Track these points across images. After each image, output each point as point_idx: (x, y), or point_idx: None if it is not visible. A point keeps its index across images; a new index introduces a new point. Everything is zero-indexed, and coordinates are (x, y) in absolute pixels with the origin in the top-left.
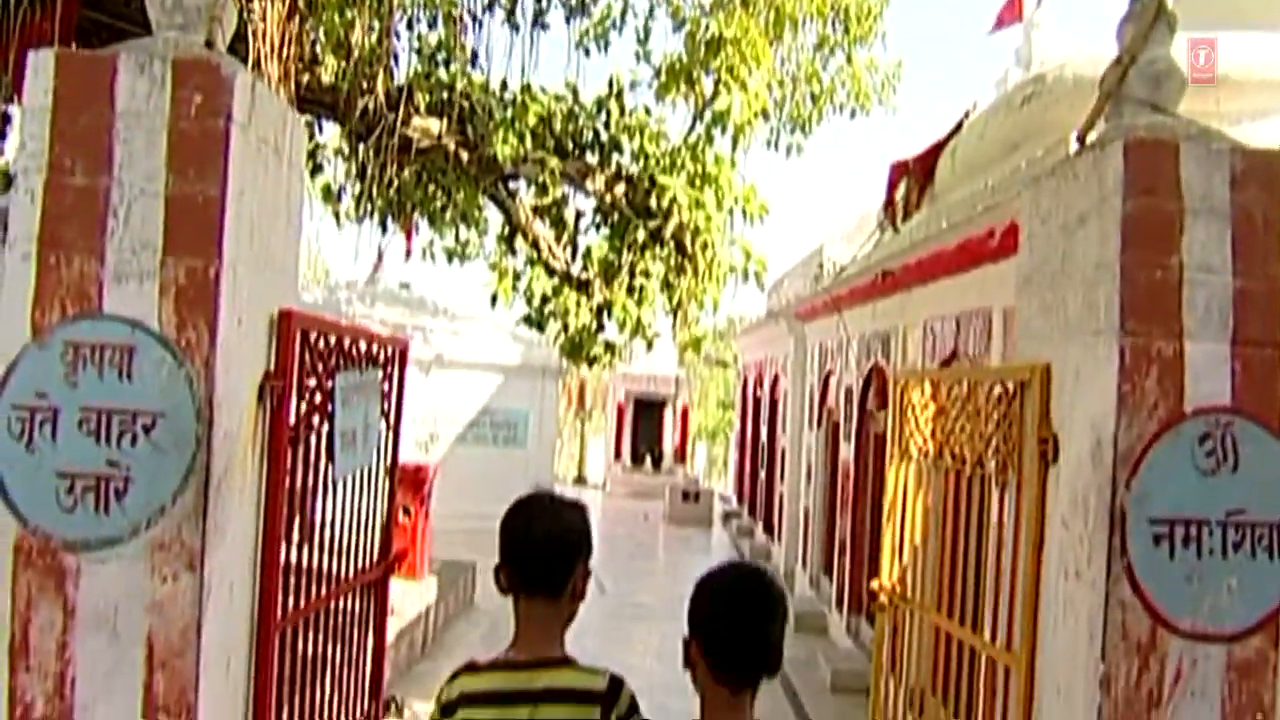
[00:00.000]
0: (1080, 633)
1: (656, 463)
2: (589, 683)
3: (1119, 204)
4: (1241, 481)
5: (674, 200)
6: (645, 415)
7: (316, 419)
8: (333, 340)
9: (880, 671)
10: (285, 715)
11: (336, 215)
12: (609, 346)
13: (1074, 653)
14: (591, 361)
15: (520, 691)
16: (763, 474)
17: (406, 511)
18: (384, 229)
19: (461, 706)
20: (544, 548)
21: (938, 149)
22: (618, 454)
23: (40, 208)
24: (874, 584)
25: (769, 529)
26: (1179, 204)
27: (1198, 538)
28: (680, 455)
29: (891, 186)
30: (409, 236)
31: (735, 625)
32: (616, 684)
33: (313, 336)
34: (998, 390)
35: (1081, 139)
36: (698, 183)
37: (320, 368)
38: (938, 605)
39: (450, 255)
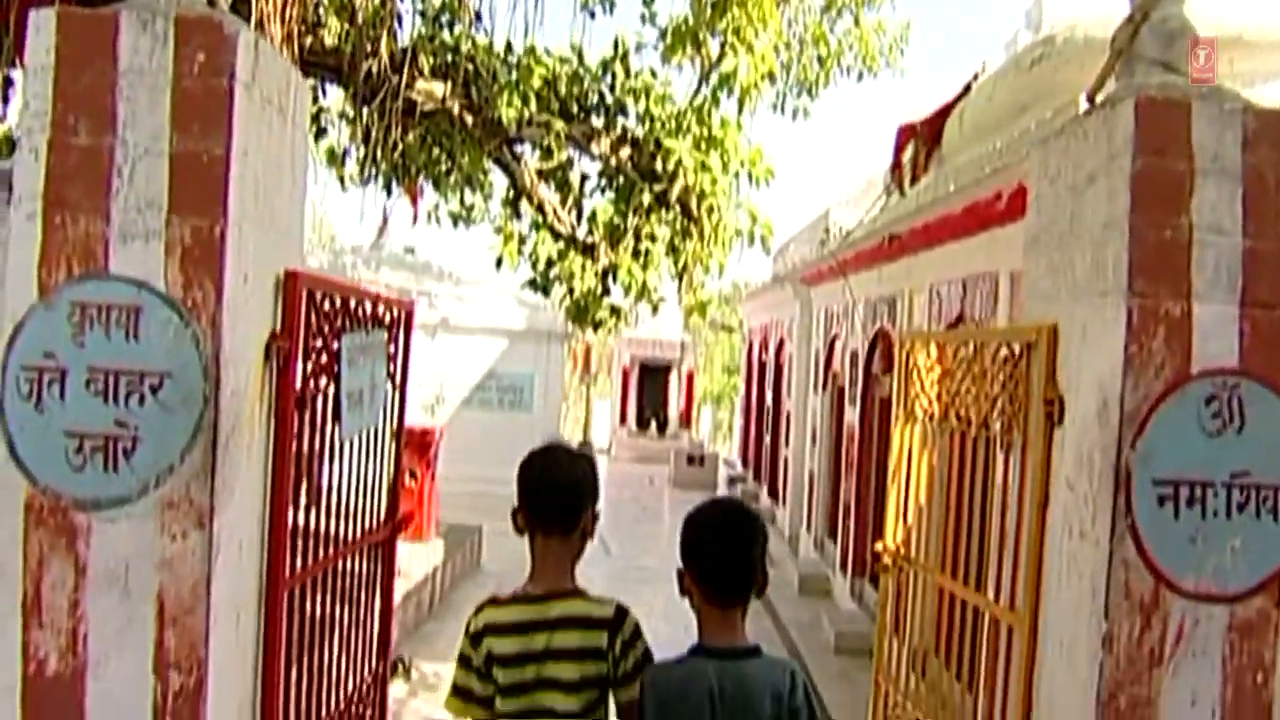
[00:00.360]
0: (1084, 592)
1: (662, 427)
2: (597, 611)
3: (1128, 163)
4: (1247, 443)
5: (679, 163)
6: (650, 380)
7: (323, 379)
8: (338, 301)
9: (883, 633)
10: (294, 674)
11: (341, 179)
12: (614, 310)
13: (1077, 612)
14: (597, 325)
15: (538, 621)
16: (767, 438)
17: (413, 474)
18: (389, 193)
19: (487, 636)
20: (558, 493)
21: (945, 112)
22: (623, 418)
23: (45, 167)
24: (878, 545)
25: (773, 493)
26: (1189, 164)
27: (1202, 498)
28: (685, 420)
29: (898, 150)
30: (414, 200)
31: (720, 552)
32: (621, 612)
33: (318, 297)
34: (1004, 351)
35: (1091, 99)
36: (703, 146)
37: (326, 328)
38: (942, 566)
39: (455, 219)
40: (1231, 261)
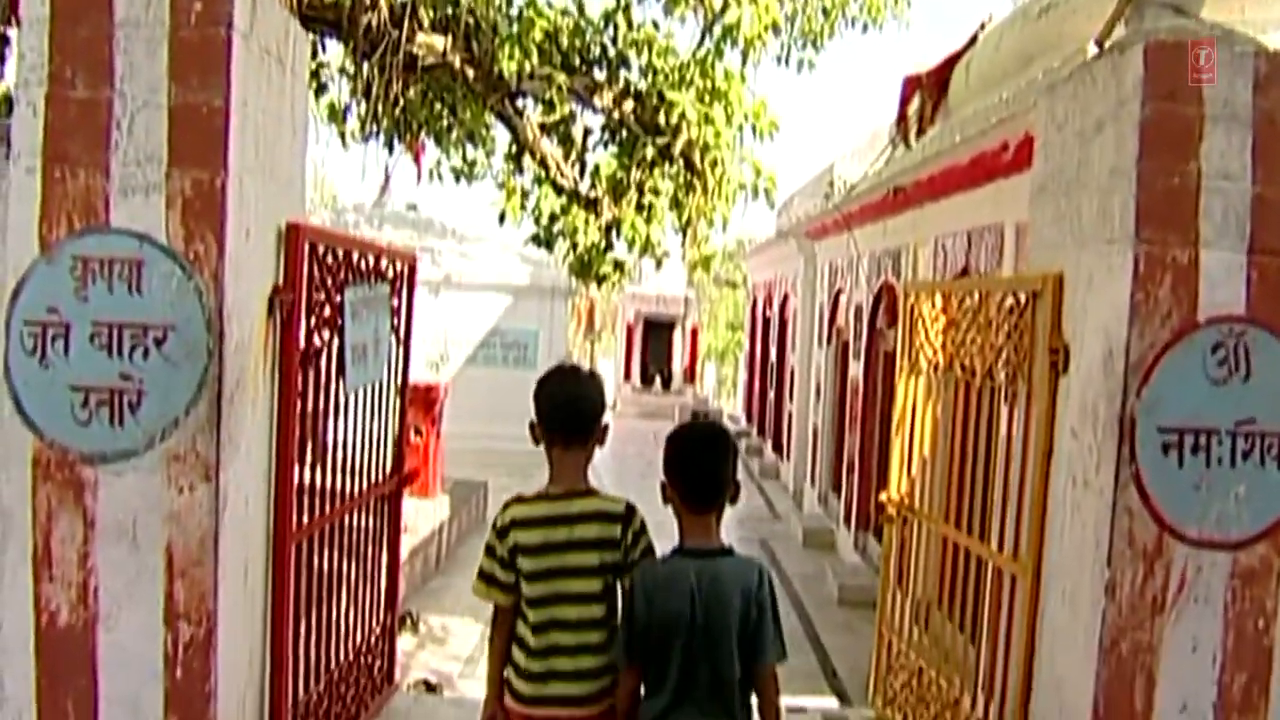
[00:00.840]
0: (1087, 540)
1: (666, 383)
2: (611, 506)
3: (1137, 109)
4: (1253, 391)
5: (683, 116)
6: (654, 336)
7: (326, 333)
8: (341, 254)
9: (887, 584)
10: (303, 626)
11: (342, 135)
12: (618, 265)
13: (1080, 559)
14: (600, 280)
15: (560, 516)
16: (771, 393)
17: (418, 431)
18: (390, 149)
19: (513, 529)
20: (575, 409)
21: (952, 63)
22: (627, 374)
23: (43, 121)
24: (882, 496)
25: (777, 448)
26: (1199, 109)
27: (1207, 446)
28: (690, 375)
29: (904, 102)
30: (417, 157)
31: (695, 466)
32: (631, 508)
33: (321, 250)
34: (1009, 301)
35: (1100, 44)
36: (707, 99)
37: (329, 281)
38: (945, 516)
39: (457, 175)
40: (1240, 208)
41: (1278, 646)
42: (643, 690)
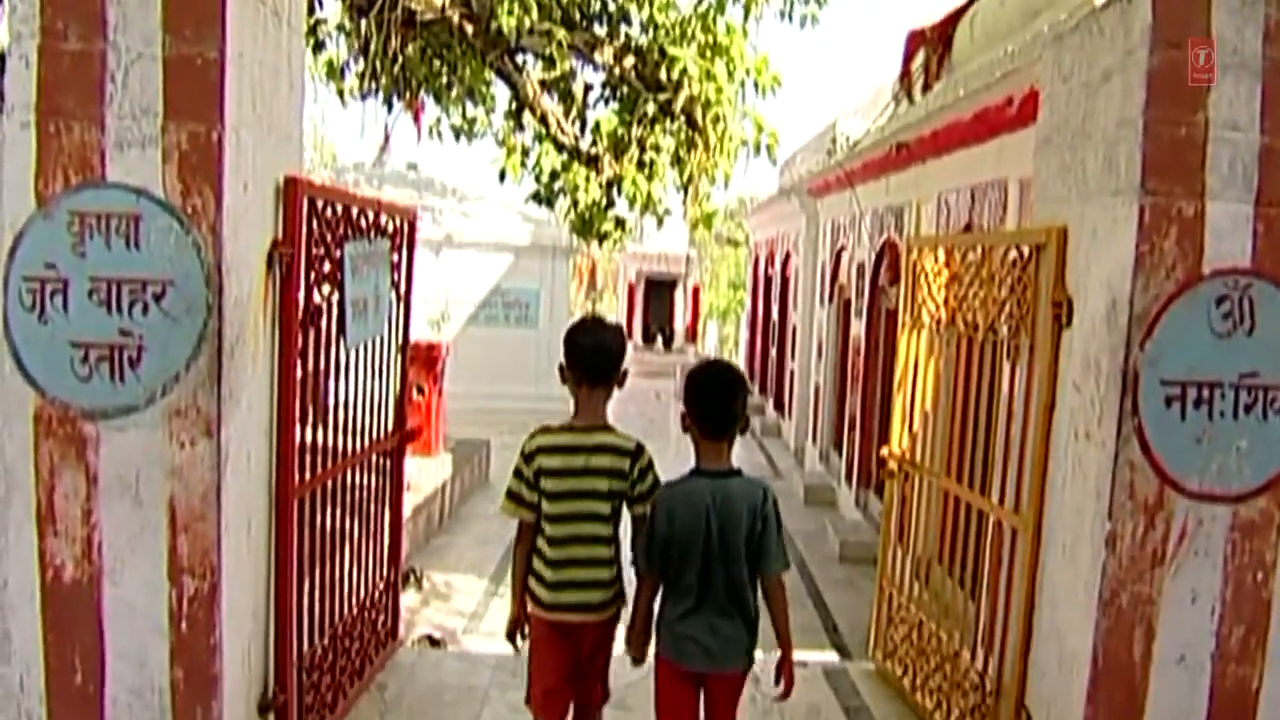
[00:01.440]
0: (1088, 493)
1: (668, 342)
2: (623, 443)
3: (1145, 58)
4: (1257, 344)
5: (684, 72)
6: (656, 295)
7: (326, 288)
8: (340, 209)
9: (888, 540)
10: (307, 582)
11: (340, 93)
12: (619, 222)
13: (1081, 513)
14: (602, 238)
15: (580, 445)
16: (773, 352)
17: (420, 390)
18: (389, 107)
19: (539, 455)
20: (600, 355)
21: (956, 17)
22: (630, 333)
23: (36, 74)
24: (884, 451)
25: (779, 406)
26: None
27: (1210, 399)
28: (691, 334)
29: (908, 57)
30: (416, 116)
31: (711, 398)
32: (640, 447)
33: (320, 204)
34: (1012, 254)
35: None
36: (709, 54)
37: (328, 236)
38: (947, 471)
39: (457, 133)
40: (1248, 159)
41: (1276, 598)
42: (660, 596)
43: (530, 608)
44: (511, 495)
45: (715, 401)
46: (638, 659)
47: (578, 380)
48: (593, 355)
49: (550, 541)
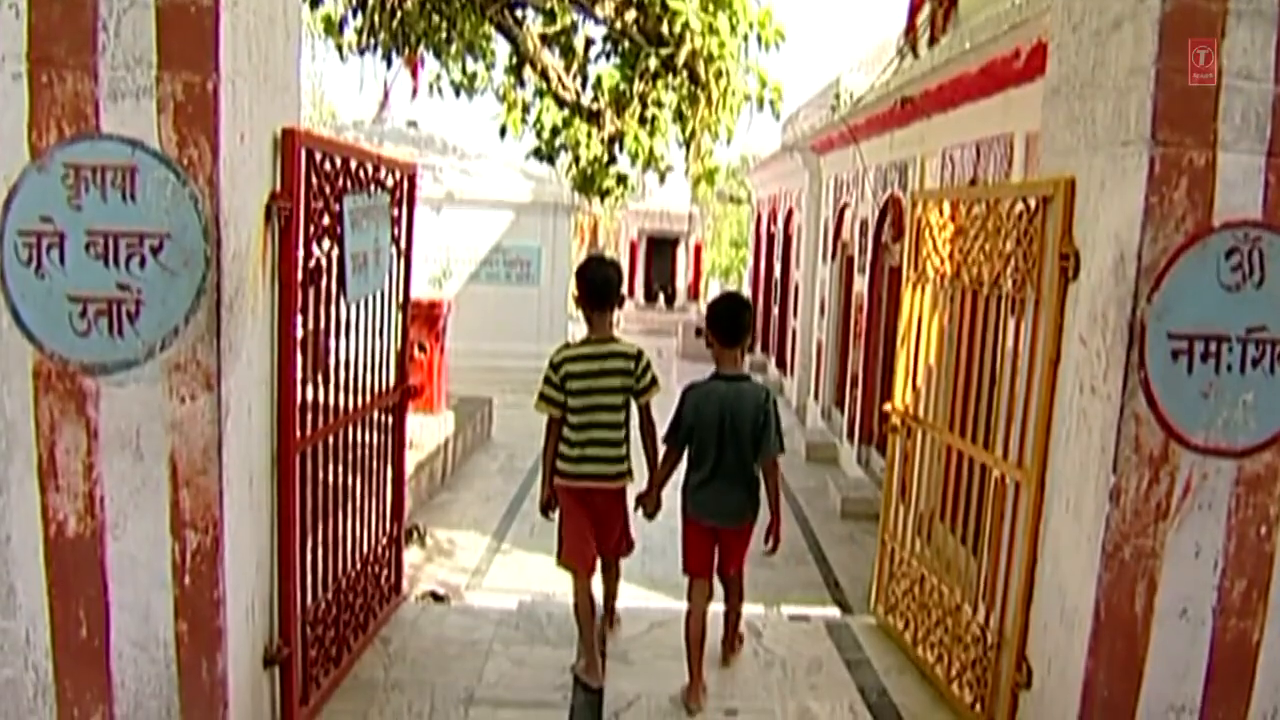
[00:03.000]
0: (1093, 446)
1: (670, 300)
2: (629, 349)
3: (1157, 4)
4: (1266, 297)
5: (686, 26)
6: (658, 253)
7: (326, 242)
8: (339, 161)
9: (890, 496)
10: (310, 539)
11: (339, 48)
12: (621, 178)
13: (1085, 466)
14: (603, 195)
15: (596, 354)
16: (776, 310)
17: (422, 347)
18: (388, 63)
19: (565, 363)
20: (606, 283)
21: None
22: (630, 292)
23: (27, 24)
24: (887, 406)
25: (781, 364)
26: (1222, 4)
27: (1217, 353)
28: (693, 293)
29: (913, 11)
30: (415, 72)
31: (726, 316)
32: (640, 352)
33: (318, 157)
34: (1019, 207)
35: None
36: (711, 7)
37: (327, 189)
38: (950, 426)
39: (457, 88)
40: (1261, 108)
41: (1279, 553)
42: (684, 466)
43: (557, 481)
44: (544, 397)
45: (727, 318)
46: (649, 516)
47: (589, 306)
48: (600, 285)
49: (574, 428)
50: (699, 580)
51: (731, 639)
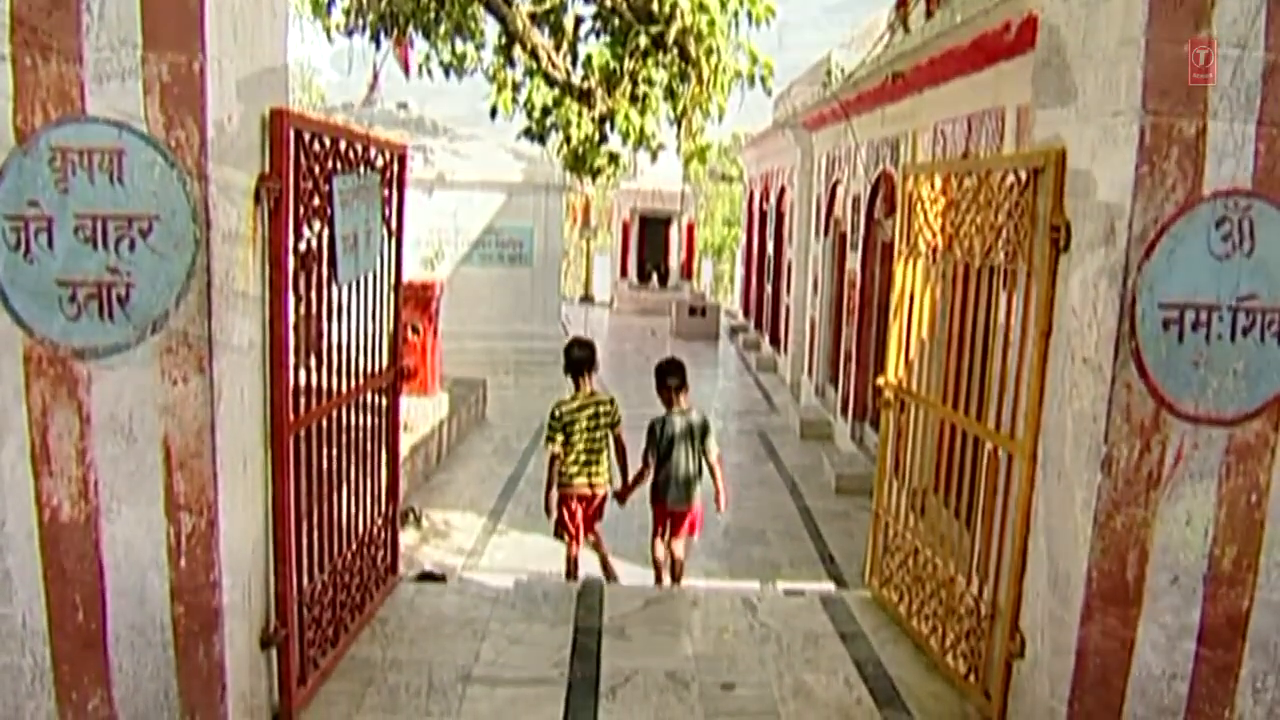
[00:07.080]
0: (1084, 416)
1: (663, 279)
2: (604, 398)
3: None
4: (1256, 266)
5: (676, 3)
6: (651, 232)
7: (316, 223)
8: (328, 142)
9: (884, 472)
10: (305, 518)
11: (327, 30)
12: (612, 157)
13: (1077, 436)
14: (595, 174)
15: (584, 405)
16: (769, 287)
17: (415, 329)
18: (377, 44)
19: (564, 415)
20: (584, 360)
21: None
22: (624, 271)
23: (9, 6)
24: (880, 380)
25: (775, 342)
26: None
27: (1207, 322)
28: (686, 272)
29: None
30: (404, 55)
31: (664, 378)
32: (613, 401)
33: (307, 137)
34: (1010, 179)
35: None
36: None
37: (317, 170)
38: (943, 398)
39: (447, 69)
40: (1251, 77)
41: (1269, 521)
42: (651, 476)
43: (559, 489)
44: (549, 438)
45: (665, 379)
46: (620, 503)
47: (574, 374)
48: (580, 360)
49: (574, 456)
50: (659, 539)
51: (677, 575)
